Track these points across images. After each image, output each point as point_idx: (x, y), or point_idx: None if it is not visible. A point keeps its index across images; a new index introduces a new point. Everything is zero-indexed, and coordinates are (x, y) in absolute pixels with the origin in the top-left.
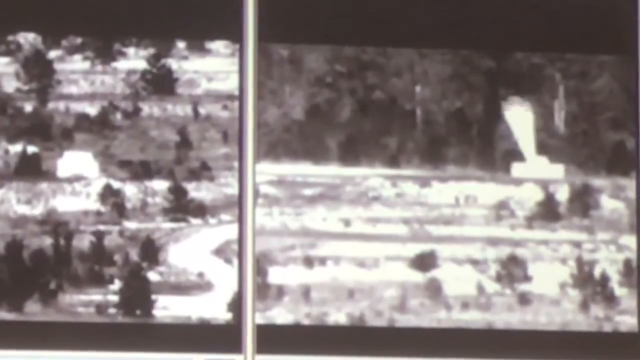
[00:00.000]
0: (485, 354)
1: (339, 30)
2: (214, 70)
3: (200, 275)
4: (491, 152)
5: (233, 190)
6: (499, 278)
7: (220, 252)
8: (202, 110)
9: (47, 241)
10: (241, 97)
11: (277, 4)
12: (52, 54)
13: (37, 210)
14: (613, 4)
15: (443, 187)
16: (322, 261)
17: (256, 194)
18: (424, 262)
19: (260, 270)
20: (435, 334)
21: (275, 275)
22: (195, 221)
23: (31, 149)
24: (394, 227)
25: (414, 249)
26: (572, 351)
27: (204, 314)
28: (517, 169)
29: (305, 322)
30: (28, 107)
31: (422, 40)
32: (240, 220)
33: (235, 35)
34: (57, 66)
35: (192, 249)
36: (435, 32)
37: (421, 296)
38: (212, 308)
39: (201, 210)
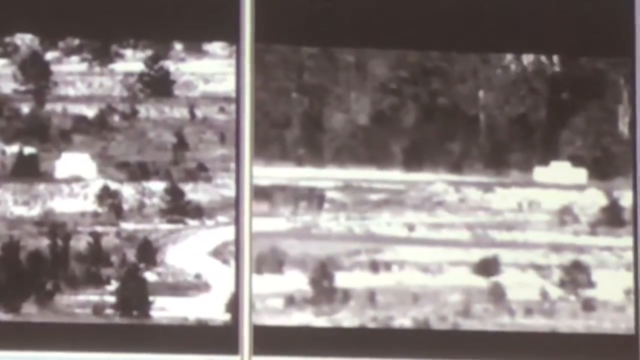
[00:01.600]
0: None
1: (336, 31)
2: (211, 72)
3: (198, 276)
4: (555, 158)
5: (230, 191)
6: (562, 284)
7: (217, 253)
8: (199, 113)
9: (44, 242)
10: (238, 99)
11: (274, 5)
12: (50, 55)
13: (35, 211)
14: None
15: (506, 193)
16: (387, 266)
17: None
18: (487, 267)
19: (327, 275)
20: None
21: (341, 280)
22: (192, 222)
23: (28, 150)
24: (458, 232)
25: (477, 254)
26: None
27: (202, 315)
28: (538, 174)
29: (371, 325)
30: (25, 109)
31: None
32: (237, 221)
33: (232, 36)
34: (54, 68)
35: (189, 250)
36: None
37: (485, 301)
38: (210, 309)
39: (198, 211)
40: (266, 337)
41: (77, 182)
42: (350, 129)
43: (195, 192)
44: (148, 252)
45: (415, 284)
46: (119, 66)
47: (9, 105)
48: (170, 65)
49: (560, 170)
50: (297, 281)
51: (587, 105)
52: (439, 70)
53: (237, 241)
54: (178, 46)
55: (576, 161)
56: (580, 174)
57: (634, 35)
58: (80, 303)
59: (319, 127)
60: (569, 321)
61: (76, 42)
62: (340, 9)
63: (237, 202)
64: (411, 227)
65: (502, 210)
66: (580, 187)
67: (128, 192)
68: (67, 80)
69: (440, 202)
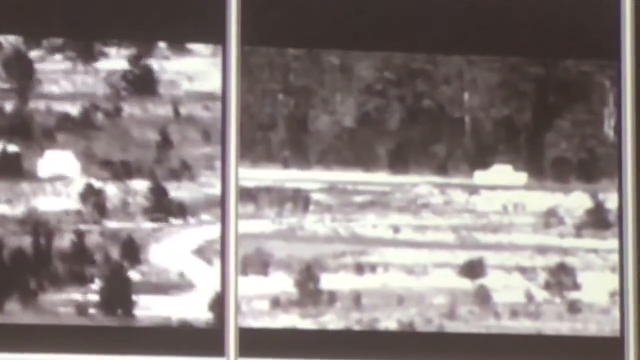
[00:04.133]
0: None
1: (321, 33)
2: (195, 70)
3: (181, 275)
4: (540, 160)
5: (214, 190)
6: (548, 286)
7: (200, 252)
8: (183, 111)
9: (27, 241)
10: (224, 99)
11: (260, 5)
12: (33, 53)
13: (18, 209)
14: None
15: (491, 195)
16: (373, 268)
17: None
18: (472, 269)
19: (312, 277)
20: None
21: (327, 282)
22: (176, 221)
23: (12, 148)
24: (443, 234)
25: (463, 256)
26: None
27: (186, 315)
28: (478, 177)
29: (356, 328)
30: (8, 107)
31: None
32: (223, 220)
33: (217, 36)
34: (38, 66)
35: (173, 249)
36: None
37: (470, 303)
38: (194, 309)
39: (182, 210)
40: (252, 339)
41: (60, 181)
42: (335, 131)
43: (179, 191)
44: (132, 250)
45: (400, 286)
46: (102, 64)
47: None
48: (154, 63)
49: (501, 174)
50: (282, 283)
51: (572, 107)
52: (424, 72)
53: (223, 243)
54: (162, 44)
55: (518, 165)
56: (521, 178)
57: (620, 38)
58: (63, 302)
59: (304, 128)
60: (555, 323)
61: (60, 40)
62: (326, 11)
63: (222, 204)
64: (396, 229)
65: (487, 212)
66: (566, 189)
67: (111, 190)
68: (50, 79)
69: (425, 204)
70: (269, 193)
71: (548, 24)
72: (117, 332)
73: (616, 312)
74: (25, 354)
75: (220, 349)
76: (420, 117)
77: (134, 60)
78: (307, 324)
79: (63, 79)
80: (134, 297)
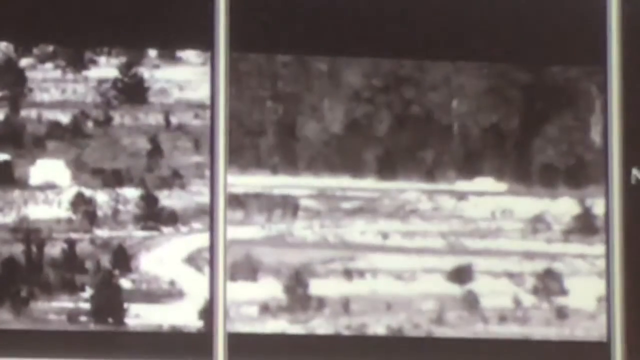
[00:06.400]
0: None
1: (310, 39)
2: (185, 79)
3: (172, 283)
4: (527, 166)
5: (204, 198)
6: (535, 291)
7: (191, 260)
8: (174, 119)
9: (19, 249)
10: (213, 106)
11: (249, 13)
12: (24, 62)
13: (9, 218)
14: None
15: (479, 201)
16: (361, 274)
17: (228, 202)
18: (460, 275)
19: (301, 283)
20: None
21: (316, 288)
22: (166, 229)
23: (3, 157)
24: (431, 240)
25: (451, 262)
26: None
27: (176, 322)
28: (460, 185)
29: (345, 333)
30: (0, 115)
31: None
32: (212, 228)
33: (206, 44)
34: (29, 74)
35: (163, 257)
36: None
37: (458, 309)
38: (184, 316)
39: (172, 218)
40: (240, 345)
41: (51, 189)
42: (324, 138)
43: (170, 199)
44: (122, 259)
45: (389, 292)
46: (93, 73)
47: None
48: (144, 71)
49: (483, 185)
50: (271, 289)
51: (559, 113)
52: (412, 78)
53: (212, 249)
54: (152, 53)
55: (503, 173)
56: (501, 187)
57: (607, 44)
58: (54, 310)
59: (293, 135)
60: (542, 329)
61: (50, 48)
62: (314, 18)
63: (211, 210)
64: (385, 235)
65: (475, 218)
66: (553, 195)
67: (102, 198)
68: (41, 87)
69: (413, 210)
70: (258, 199)
71: (535, 30)
72: (108, 337)
73: (603, 318)
74: (16, 359)
75: (209, 354)
76: (408, 123)
77: (124, 68)
78: (296, 329)
79: (54, 88)
80: (125, 306)
